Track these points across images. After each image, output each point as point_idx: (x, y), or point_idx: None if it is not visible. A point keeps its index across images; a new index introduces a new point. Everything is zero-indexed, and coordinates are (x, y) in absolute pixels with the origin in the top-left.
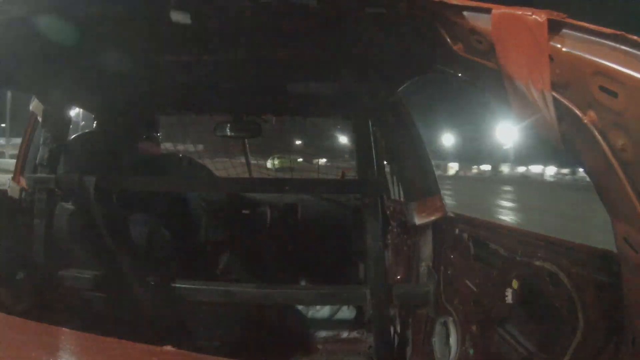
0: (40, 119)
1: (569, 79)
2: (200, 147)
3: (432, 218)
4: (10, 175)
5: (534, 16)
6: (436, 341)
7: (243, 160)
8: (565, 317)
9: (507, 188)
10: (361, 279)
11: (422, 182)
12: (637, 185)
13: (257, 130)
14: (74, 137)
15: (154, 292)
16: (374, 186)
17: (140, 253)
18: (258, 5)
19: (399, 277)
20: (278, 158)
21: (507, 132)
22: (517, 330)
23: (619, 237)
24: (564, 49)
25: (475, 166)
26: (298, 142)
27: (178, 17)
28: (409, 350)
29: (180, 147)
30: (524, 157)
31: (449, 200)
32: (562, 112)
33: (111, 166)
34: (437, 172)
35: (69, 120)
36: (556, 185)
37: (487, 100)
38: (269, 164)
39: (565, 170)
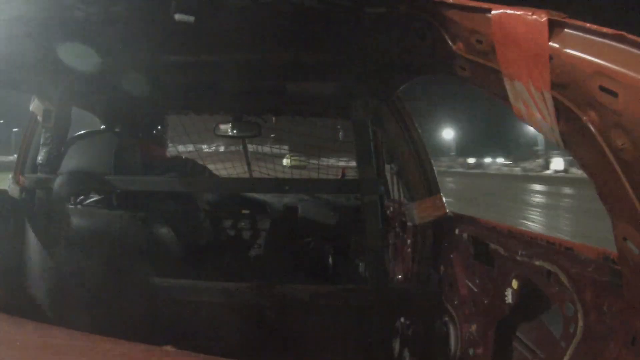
0: (40, 119)
1: (569, 79)
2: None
3: (432, 218)
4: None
5: (534, 16)
6: (436, 341)
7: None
8: (565, 317)
9: None
10: (361, 278)
11: (422, 182)
12: (637, 185)
13: (257, 130)
14: (74, 137)
15: (154, 291)
16: (374, 186)
17: (140, 252)
18: (258, 5)
19: (399, 277)
20: (292, 157)
21: None
22: (517, 330)
23: (619, 237)
24: (564, 49)
25: None
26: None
27: (182, 17)
28: (409, 350)
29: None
30: None
31: None
32: (562, 112)
33: (112, 167)
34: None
35: (69, 120)
36: None
37: None
38: (284, 161)
39: None
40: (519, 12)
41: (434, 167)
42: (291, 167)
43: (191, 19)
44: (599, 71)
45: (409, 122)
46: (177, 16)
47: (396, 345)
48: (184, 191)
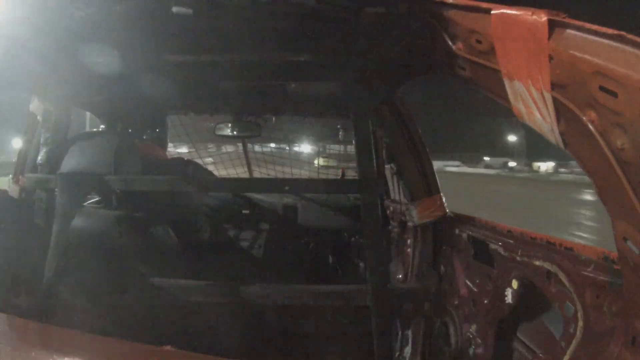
0: (40, 119)
1: (569, 79)
2: None
3: (432, 218)
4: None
5: (534, 16)
6: (436, 341)
7: None
8: (565, 317)
9: None
10: (362, 278)
11: (422, 182)
12: (636, 185)
13: (257, 130)
14: (74, 137)
15: (154, 292)
16: (374, 186)
17: (140, 252)
18: (258, 5)
19: (399, 276)
20: (323, 157)
21: None
22: (517, 330)
23: (619, 237)
24: (564, 49)
25: None
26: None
27: (179, 10)
28: (409, 350)
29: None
30: None
31: None
32: (562, 112)
33: (112, 167)
34: None
35: (69, 120)
36: None
37: None
38: (315, 162)
39: None
40: (518, 12)
41: (434, 167)
42: (320, 167)
43: (189, 11)
44: (599, 71)
45: (409, 122)
46: (175, 9)
47: (396, 345)
48: (184, 191)
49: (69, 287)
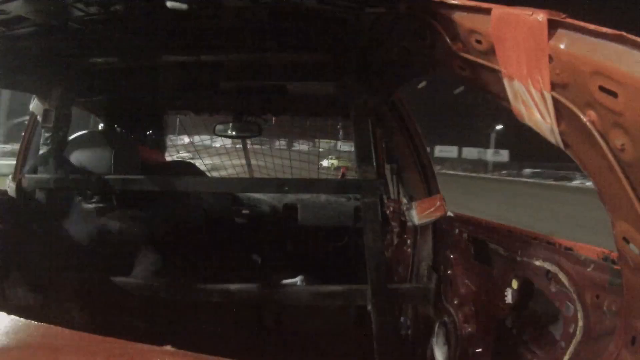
0: (40, 119)
1: (568, 79)
2: None
3: (432, 218)
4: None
5: (534, 16)
6: (436, 341)
7: None
8: (565, 317)
9: None
10: (362, 278)
11: (422, 182)
12: (636, 185)
13: (257, 130)
14: (74, 137)
15: (153, 291)
16: (374, 186)
17: (139, 252)
18: (258, 5)
19: (399, 276)
20: (335, 158)
21: None
22: (517, 330)
23: (619, 237)
24: (564, 49)
25: None
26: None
27: (174, 5)
28: (409, 350)
29: None
30: None
31: None
32: (562, 112)
33: (112, 167)
34: None
35: (69, 120)
36: None
37: None
38: (325, 162)
39: None
40: (518, 12)
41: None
42: (334, 168)
43: (183, 6)
44: (599, 71)
45: (408, 122)
46: (169, 3)
47: (396, 345)
48: (184, 191)
49: (68, 287)
